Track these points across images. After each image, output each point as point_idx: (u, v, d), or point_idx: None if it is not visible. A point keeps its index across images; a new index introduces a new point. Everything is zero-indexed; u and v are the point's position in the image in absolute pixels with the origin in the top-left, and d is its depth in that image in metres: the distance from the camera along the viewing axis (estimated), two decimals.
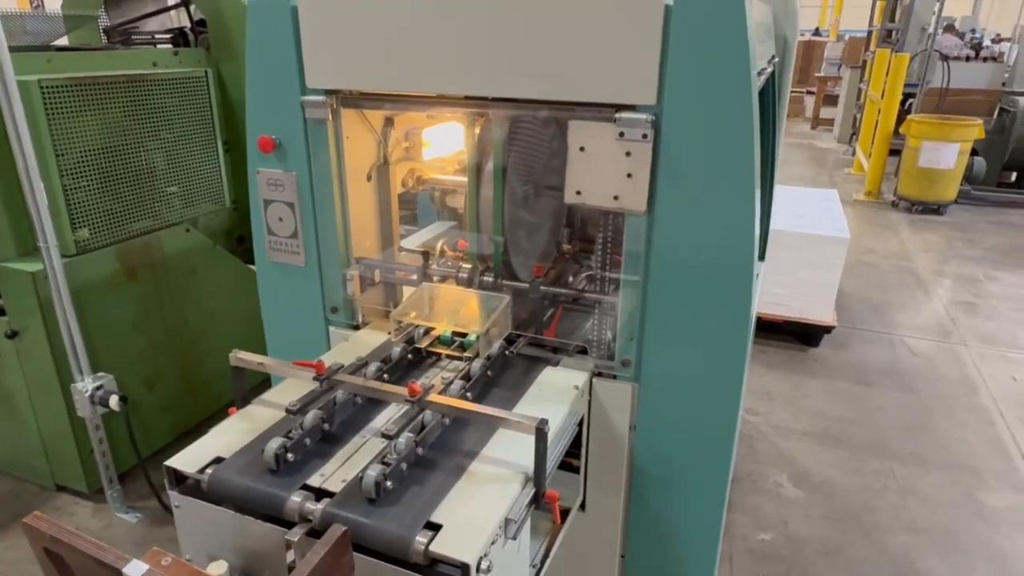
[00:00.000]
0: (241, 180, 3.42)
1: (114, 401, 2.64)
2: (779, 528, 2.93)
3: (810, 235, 4.22)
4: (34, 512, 1.01)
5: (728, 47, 1.36)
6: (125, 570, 0.92)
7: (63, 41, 3.56)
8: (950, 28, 10.95)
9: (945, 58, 8.54)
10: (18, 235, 2.66)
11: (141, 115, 2.90)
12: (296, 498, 1.20)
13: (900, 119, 8.01)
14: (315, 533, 1.15)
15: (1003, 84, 9.25)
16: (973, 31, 11.35)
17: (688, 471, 1.71)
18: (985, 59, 9.57)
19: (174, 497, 1.30)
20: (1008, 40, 11.67)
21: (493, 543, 1.15)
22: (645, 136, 1.45)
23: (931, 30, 8.58)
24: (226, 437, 1.38)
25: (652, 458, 1.73)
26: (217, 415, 3.48)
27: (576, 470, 1.80)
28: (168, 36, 3.73)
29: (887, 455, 3.44)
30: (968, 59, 9.48)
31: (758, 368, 4.24)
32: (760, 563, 2.74)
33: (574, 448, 1.72)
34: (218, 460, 1.31)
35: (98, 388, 2.65)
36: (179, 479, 1.31)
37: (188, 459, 1.31)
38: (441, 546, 1.10)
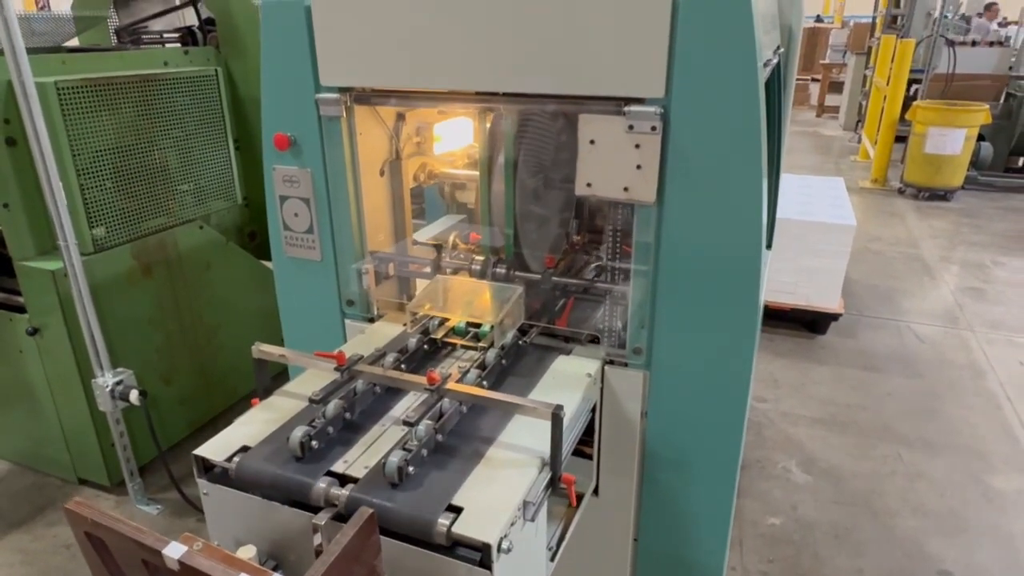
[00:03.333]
0: (252, 177, 3.46)
1: (134, 396, 2.69)
2: (788, 513, 2.97)
3: (816, 223, 4.23)
4: (75, 498, 1.05)
5: (735, 40, 1.39)
6: (165, 551, 0.97)
7: (74, 42, 3.60)
8: (990, 7, 10.46)
9: (951, 43, 8.50)
10: (37, 234, 2.72)
11: (154, 114, 2.94)
12: (321, 484, 1.24)
13: (906, 105, 7.99)
14: (340, 517, 1.19)
15: (1010, 68, 9.20)
16: (979, 15, 11.26)
17: (699, 456, 1.75)
18: (992, 43, 9.51)
19: (203, 485, 1.34)
20: (1015, 24, 11.58)
21: (512, 524, 1.18)
22: (654, 128, 1.48)
23: (936, 15, 8.54)
24: (251, 427, 1.42)
25: (663, 444, 1.77)
26: (233, 408, 3.54)
27: (589, 457, 1.84)
28: (176, 35, 3.77)
29: (895, 440, 3.47)
30: (974, 44, 9.43)
31: (765, 356, 4.27)
32: (770, 547, 2.78)
33: (586, 436, 1.76)
34: (244, 449, 1.35)
35: (118, 383, 2.70)
36: (207, 467, 1.35)
37: (215, 448, 1.35)
38: (463, 528, 1.13)
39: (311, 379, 1.56)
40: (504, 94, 1.64)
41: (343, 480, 1.26)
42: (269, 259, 2.08)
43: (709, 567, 1.87)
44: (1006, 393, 3.91)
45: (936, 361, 4.26)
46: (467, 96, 1.70)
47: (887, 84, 8.31)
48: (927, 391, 3.92)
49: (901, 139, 8.19)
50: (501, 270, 1.89)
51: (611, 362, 1.74)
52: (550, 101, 1.62)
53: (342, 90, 1.75)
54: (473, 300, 1.81)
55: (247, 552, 1.26)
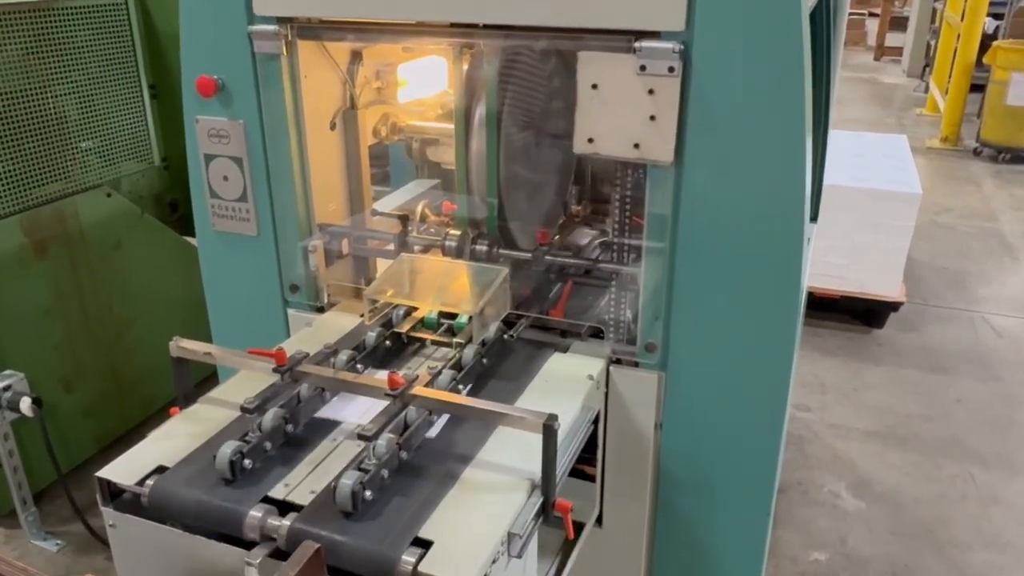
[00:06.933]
0: (173, 132, 3.43)
1: (26, 405, 2.67)
2: (836, 546, 3.00)
3: (873, 191, 4.25)
4: None
5: None
6: None
7: None
8: None
9: None
10: None
11: (47, 52, 2.90)
12: (256, 513, 1.23)
13: (984, 47, 8.00)
14: (280, 554, 1.19)
15: None
16: None
17: (726, 477, 1.76)
18: None
19: (108, 515, 1.33)
20: None
21: (494, 562, 1.19)
22: (672, 69, 1.47)
23: None
24: (169, 442, 1.41)
25: (683, 462, 1.78)
26: (149, 421, 3.52)
27: (591, 478, 1.85)
28: None
29: (965, 457, 3.51)
30: None
31: (810, 354, 4.29)
32: None
33: (587, 453, 1.76)
34: (161, 470, 1.34)
35: (5, 389, 2.68)
36: (113, 493, 1.34)
37: (124, 469, 1.35)
38: (432, 566, 1.13)
39: (245, 383, 1.56)
40: (485, 26, 1.62)
41: (283, 508, 1.26)
42: (194, 235, 2.07)
43: None
44: None
45: (1016, 361, 4.30)
46: (439, 29, 1.69)
47: (961, 20, 8.32)
48: (1005, 397, 3.96)
49: (978, 88, 8.21)
50: (482, 247, 1.89)
51: (618, 361, 1.75)
52: (542, 35, 1.61)
53: (281, 21, 1.73)
54: (447, 285, 1.81)
55: None
